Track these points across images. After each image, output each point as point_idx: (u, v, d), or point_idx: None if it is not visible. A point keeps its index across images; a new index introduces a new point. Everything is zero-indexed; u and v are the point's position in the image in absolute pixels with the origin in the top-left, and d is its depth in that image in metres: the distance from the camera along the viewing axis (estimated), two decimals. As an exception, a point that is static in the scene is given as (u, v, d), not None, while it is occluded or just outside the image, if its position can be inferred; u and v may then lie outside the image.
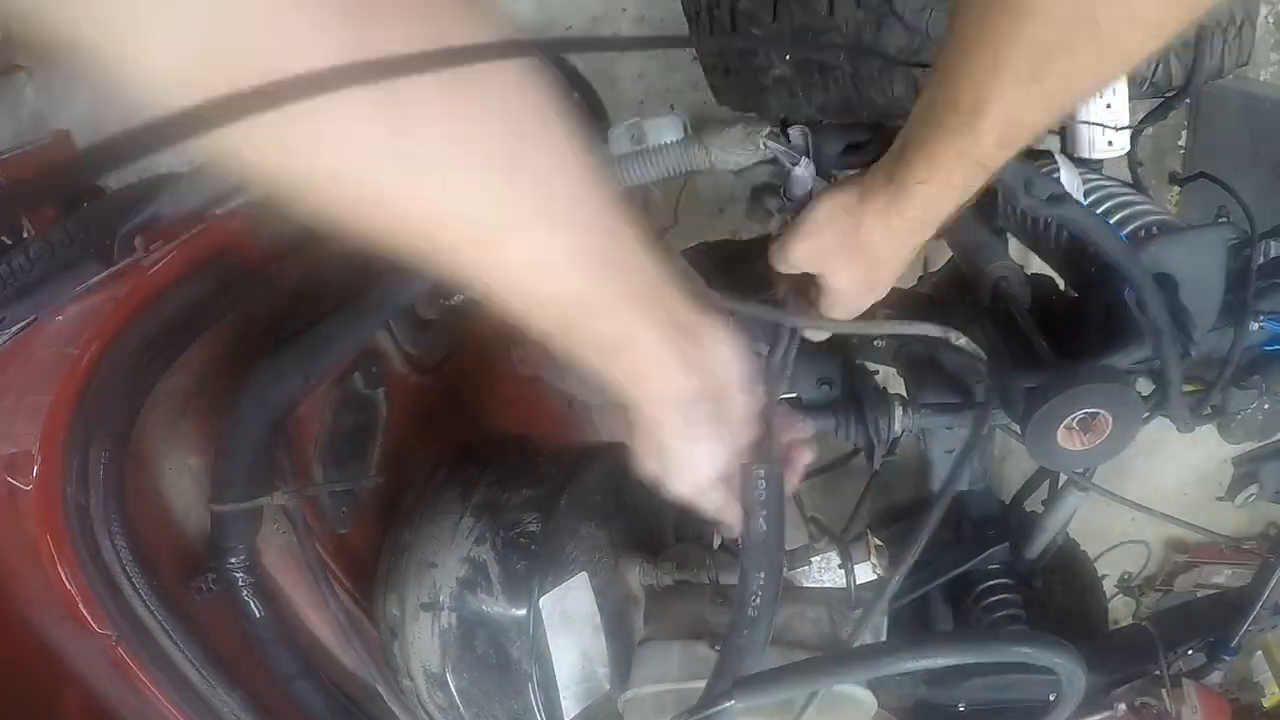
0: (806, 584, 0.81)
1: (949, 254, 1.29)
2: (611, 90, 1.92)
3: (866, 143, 0.76)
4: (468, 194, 0.43)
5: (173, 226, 0.82)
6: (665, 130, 1.05)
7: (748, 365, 0.65)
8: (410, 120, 0.39)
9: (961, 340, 0.95)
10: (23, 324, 0.80)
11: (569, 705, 0.83)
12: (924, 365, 1.09)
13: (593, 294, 0.52)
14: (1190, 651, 1.10)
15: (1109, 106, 0.95)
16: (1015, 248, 1.09)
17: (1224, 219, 1.00)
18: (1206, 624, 1.10)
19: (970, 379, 1.00)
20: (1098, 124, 0.95)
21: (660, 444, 0.64)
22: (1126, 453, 0.89)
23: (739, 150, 0.80)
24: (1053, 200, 0.77)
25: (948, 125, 0.59)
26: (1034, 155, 1.13)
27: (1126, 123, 0.96)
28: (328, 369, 0.80)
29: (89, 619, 0.71)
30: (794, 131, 0.73)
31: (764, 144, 0.73)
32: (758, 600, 0.63)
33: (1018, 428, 0.91)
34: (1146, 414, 0.92)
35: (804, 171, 0.76)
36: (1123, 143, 0.98)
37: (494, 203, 0.44)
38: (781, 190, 0.78)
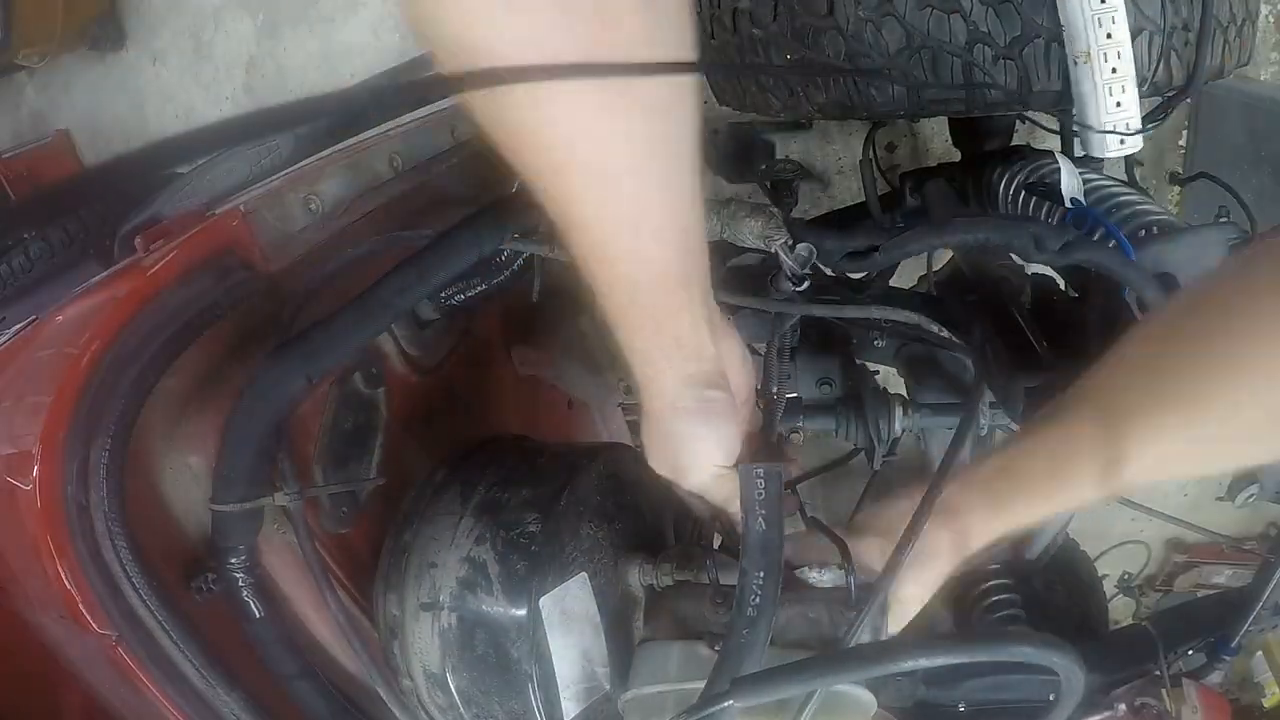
0: (806, 584, 0.81)
1: (950, 254, 1.29)
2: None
3: (866, 251, 0.80)
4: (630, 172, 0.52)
5: (173, 226, 0.81)
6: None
7: (748, 357, 0.70)
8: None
9: (934, 327, 0.96)
10: (23, 324, 0.80)
11: (569, 705, 0.83)
12: (924, 365, 1.09)
13: (666, 268, 0.57)
14: (1190, 651, 1.09)
15: (1119, 105, 0.94)
16: (1015, 248, 1.09)
17: (1224, 218, 1.00)
18: (1206, 624, 1.09)
19: (969, 379, 1.00)
20: (1110, 132, 0.94)
21: (674, 431, 0.66)
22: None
23: (749, 238, 0.85)
24: (1067, 249, 0.79)
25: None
26: (1034, 154, 1.13)
27: (1139, 125, 0.95)
28: (329, 369, 0.80)
29: (89, 619, 0.71)
30: (801, 249, 0.78)
31: (777, 250, 0.76)
32: (757, 600, 0.63)
33: (1017, 428, 0.91)
34: None
35: (791, 287, 0.83)
36: (1135, 142, 0.97)
37: (635, 179, 0.52)
38: (770, 280, 0.84)
